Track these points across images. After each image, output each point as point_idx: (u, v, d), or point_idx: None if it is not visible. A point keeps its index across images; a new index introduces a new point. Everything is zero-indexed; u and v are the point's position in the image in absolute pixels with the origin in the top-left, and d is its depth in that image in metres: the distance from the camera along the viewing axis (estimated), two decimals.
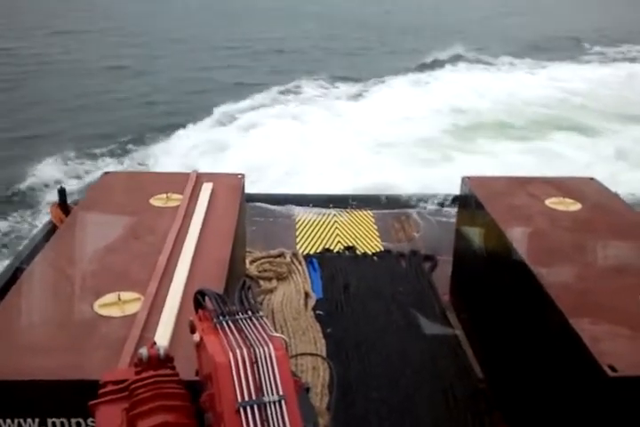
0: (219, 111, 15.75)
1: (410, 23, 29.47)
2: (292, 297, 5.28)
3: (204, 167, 10.97)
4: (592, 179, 4.91)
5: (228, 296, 2.02)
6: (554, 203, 4.36)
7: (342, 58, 21.95)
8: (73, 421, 2.48)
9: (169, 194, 4.19)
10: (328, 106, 16.79)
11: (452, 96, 17.35)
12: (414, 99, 17.26)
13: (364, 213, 7.14)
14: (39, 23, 27.01)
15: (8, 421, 2.48)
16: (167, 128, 14.19)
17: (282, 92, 17.88)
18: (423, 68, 21.13)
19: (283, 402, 1.72)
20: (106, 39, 24.76)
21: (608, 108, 16.34)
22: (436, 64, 21.60)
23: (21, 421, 2.48)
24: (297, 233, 6.64)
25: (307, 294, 5.35)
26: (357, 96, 17.95)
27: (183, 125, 14.43)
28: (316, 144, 12.86)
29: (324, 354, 4.51)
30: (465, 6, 34.26)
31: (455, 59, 22.35)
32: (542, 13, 32.27)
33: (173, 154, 12.87)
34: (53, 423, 2.49)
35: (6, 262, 4.40)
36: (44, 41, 24.02)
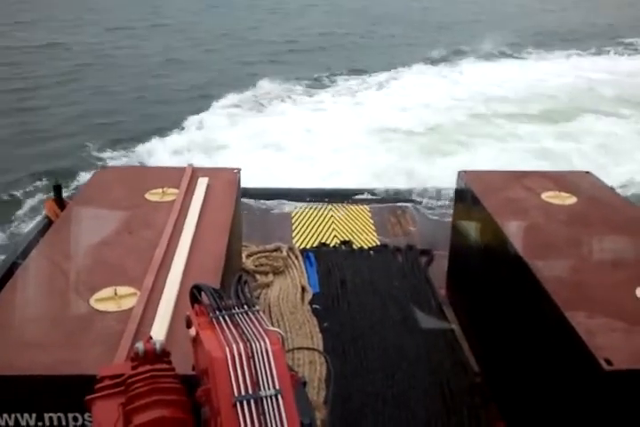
0: (240, 99, 16.44)
1: (448, 18, 29.80)
2: (289, 291, 5.29)
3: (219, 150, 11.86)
4: (587, 172, 4.92)
5: (225, 291, 2.02)
6: (550, 197, 4.36)
7: (378, 54, 22.25)
8: (70, 416, 2.48)
9: (165, 188, 4.18)
10: (352, 95, 17.21)
11: (477, 85, 17.72)
12: (439, 88, 17.60)
13: (361, 207, 7.13)
14: (95, 19, 27.93)
15: (5, 416, 2.48)
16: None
17: (312, 86, 18.31)
18: (452, 59, 21.59)
19: (279, 396, 1.73)
20: (157, 35, 25.62)
21: (634, 97, 16.57)
22: (466, 56, 22.14)
23: (18, 416, 2.48)
24: (293, 227, 6.63)
25: (303, 289, 5.35)
26: (382, 86, 18.28)
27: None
28: (330, 132, 13.16)
29: (320, 348, 4.52)
30: (506, 2, 34.29)
31: (486, 51, 22.79)
32: (582, 9, 32.24)
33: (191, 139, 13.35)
34: (50, 418, 2.49)
35: (1, 257, 4.39)
36: (101, 37, 24.90)
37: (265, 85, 17.54)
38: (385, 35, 26.16)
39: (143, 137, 13.45)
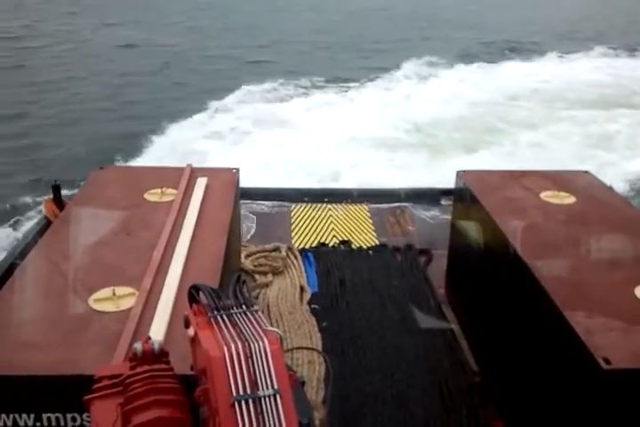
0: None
1: (501, 21, 30.75)
2: (288, 291, 5.28)
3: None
4: (586, 172, 4.92)
5: (223, 291, 2.02)
6: (548, 196, 4.37)
7: (426, 58, 22.94)
8: (68, 416, 2.48)
9: (163, 189, 4.18)
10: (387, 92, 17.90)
11: (513, 82, 18.43)
12: (475, 85, 18.28)
13: (360, 207, 7.13)
14: (169, 22, 29.80)
15: (3, 416, 2.48)
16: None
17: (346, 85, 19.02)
18: (496, 59, 22.36)
19: (278, 396, 1.72)
20: (227, 36, 27.12)
21: None
22: (510, 55, 23.07)
23: (17, 416, 2.48)
24: (292, 227, 6.63)
25: (302, 289, 5.35)
26: (424, 82, 19.03)
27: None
28: (357, 127, 13.64)
29: (319, 348, 4.52)
30: (559, 6, 34.78)
31: (529, 51, 23.81)
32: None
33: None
34: (49, 419, 2.49)
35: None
36: (176, 38, 26.43)
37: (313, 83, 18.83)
38: (437, 37, 26.97)
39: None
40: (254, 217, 6.74)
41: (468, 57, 22.11)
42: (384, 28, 29.09)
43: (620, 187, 9.85)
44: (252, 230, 6.38)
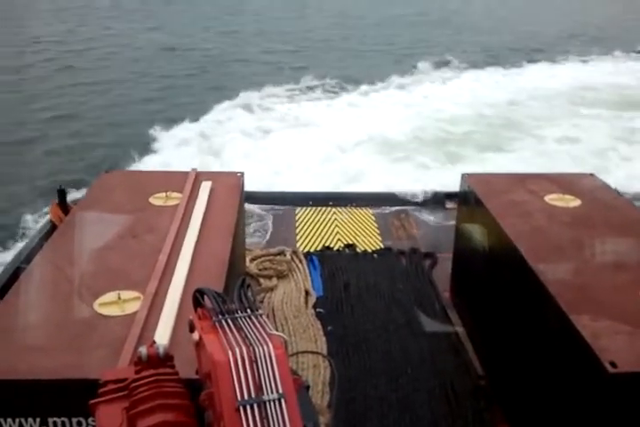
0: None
1: (533, 27, 30.98)
2: (293, 295, 5.28)
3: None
4: (591, 175, 4.91)
5: (228, 295, 2.02)
6: (553, 199, 4.36)
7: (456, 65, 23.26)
8: (74, 420, 2.49)
9: (168, 193, 4.19)
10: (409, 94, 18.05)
11: (533, 83, 18.73)
12: (495, 86, 18.55)
13: (364, 210, 7.14)
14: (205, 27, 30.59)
15: (9, 420, 2.48)
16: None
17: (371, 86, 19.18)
18: (520, 64, 22.53)
19: (282, 400, 1.72)
20: (256, 38, 27.88)
21: None
22: (537, 60, 23.36)
23: (22, 420, 2.49)
24: (297, 231, 6.64)
25: (307, 292, 5.35)
26: (445, 83, 19.31)
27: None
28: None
29: (324, 352, 4.51)
30: (591, 14, 35.14)
31: (561, 54, 23.98)
32: None
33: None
34: (54, 423, 2.50)
35: (7, 261, 4.40)
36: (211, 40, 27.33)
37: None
38: (466, 42, 27.13)
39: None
40: (259, 220, 6.76)
41: (493, 61, 22.42)
42: (415, 33, 29.51)
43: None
44: (257, 234, 6.43)
